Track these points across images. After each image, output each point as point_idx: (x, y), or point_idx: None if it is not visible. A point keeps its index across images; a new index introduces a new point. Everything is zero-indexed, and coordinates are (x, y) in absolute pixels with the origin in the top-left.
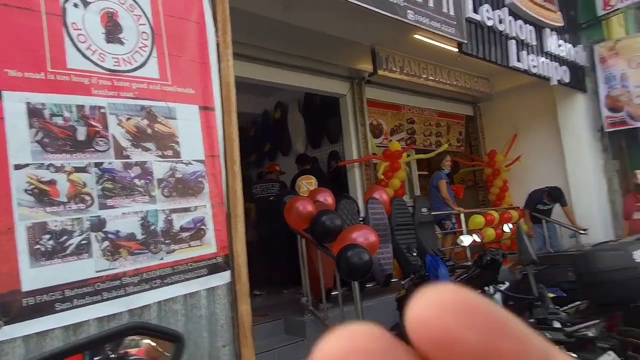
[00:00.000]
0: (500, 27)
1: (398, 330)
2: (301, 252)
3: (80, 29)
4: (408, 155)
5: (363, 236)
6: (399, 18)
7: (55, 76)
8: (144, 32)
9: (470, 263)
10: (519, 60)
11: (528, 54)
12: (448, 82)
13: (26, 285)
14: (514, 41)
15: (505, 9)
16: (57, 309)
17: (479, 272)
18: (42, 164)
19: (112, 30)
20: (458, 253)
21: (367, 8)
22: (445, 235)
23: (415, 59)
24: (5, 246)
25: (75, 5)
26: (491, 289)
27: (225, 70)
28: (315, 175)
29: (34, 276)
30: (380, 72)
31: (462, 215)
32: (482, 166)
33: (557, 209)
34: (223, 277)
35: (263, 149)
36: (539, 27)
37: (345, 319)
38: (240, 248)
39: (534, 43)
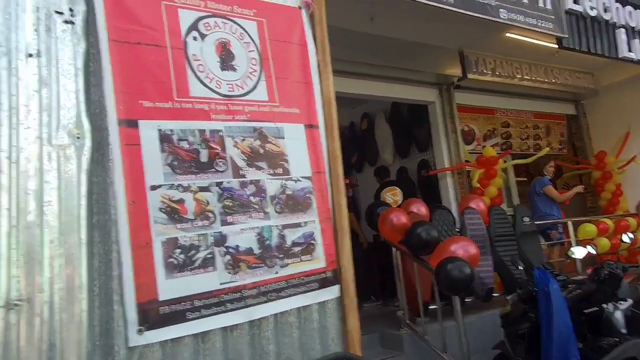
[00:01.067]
0: (606, 16)
1: (503, 348)
2: (396, 265)
3: (199, 60)
4: (505, 161)
5: (463, 248)
6: (492, 18)
7: (181, 104)
8: (253, 59)
9: (583, 277)
10: (630, 50)
11: None
12: (546, 80)
13: (163, 295)
14: (623, 29)
15: None
16: (188, 317)
17: (595, 288)
18: (172, 184)
19: (226, 58)
20: (567, 266)
21: (456, 11)
22: (550, 247)
23: (508, 59)
24: (144, 259)
25: (195, 38)
26: (610, 307)
27: (326, 88)
28: (401, 186)
29: (168, 287)
30: (470, 75)
31: (569, 224)
32: (590, 169)
33: None
34: (332, 292)
35: (350, 161)
36: None
37: (445, 335)
38: (347, 262)
39: None
